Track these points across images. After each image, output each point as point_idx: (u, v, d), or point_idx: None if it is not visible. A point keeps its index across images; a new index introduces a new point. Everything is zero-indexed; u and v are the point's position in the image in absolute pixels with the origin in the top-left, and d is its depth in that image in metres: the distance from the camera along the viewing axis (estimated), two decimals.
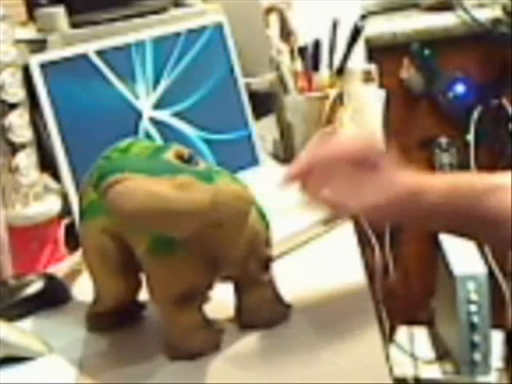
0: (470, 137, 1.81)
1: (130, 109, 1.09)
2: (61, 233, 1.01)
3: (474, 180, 0.81)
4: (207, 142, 1.16)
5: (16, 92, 0.98)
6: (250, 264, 0.75)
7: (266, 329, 0.76)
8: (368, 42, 1.71)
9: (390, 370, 1.58)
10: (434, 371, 1.66)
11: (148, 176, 0.63)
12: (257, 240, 0.75)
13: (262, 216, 0.76)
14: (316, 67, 1.31)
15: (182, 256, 0.70)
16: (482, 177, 0.80)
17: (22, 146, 0.99)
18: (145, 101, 1.11)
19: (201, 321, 0.74)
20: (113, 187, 0.62)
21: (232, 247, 0.72)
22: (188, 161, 0.67)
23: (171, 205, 0.63)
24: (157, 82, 1.13)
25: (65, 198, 1.02)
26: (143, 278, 0.77)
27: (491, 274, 1.74)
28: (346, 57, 1.31)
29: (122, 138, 0.79)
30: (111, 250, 0.77)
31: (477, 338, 1.56)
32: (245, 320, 0.78)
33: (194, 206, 0.64)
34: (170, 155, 0.67)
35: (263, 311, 0.77)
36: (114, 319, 0.81)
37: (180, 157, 0.67)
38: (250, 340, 0.75)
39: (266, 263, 0.77)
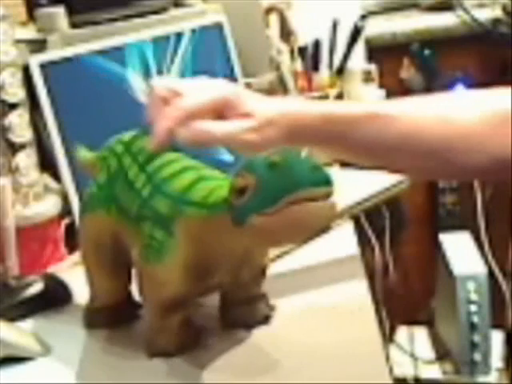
0: None
1: (131, 109, 1.09)
2: (61, 233, 1.01)
3: (351, 107, 0.79)
4: None
5: (16, 92, 0.98)
6: (243, 273, 0.74)
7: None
8: (368, 42, 1.71)
9: (390, 370, 1.58)
10: (434, 371, 1.66)
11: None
12: (254, 249, 0.74)
13: None
14: (316, 67, 1.31)
15: (171, 265, 0.70)
16: (360, 104, 0.78)
17: (22, 146, 0.99)
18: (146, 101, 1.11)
19: (182, 319, 0.74)
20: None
21: (228, 257, 0.71)
22: None
23: None
24: None
25: (65, 197, 1.02)
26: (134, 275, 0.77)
27: (491, 274, 1.74)
28: (345, 57, 1.31)
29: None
30: (106, 244, 0.78)
31: (477, 338, 1.56)
32: (228, 319, 0.78)
33: None
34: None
35: (247, 313, 0.77)
36: (111, 316, 0.81)
37: None
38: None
39: (261, 273, 0.77)
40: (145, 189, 0.73)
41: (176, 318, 0.73)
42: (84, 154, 0.84)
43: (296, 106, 0.78)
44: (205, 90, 0.75)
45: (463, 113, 0.77)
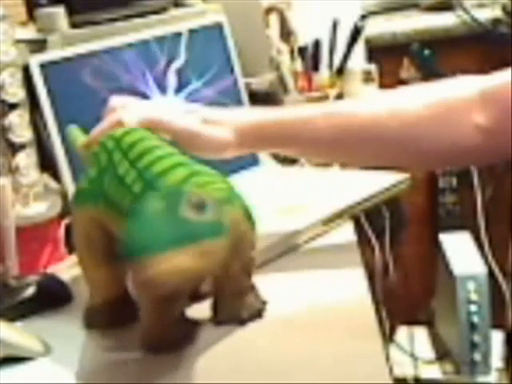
0: None
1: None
2: (61, 233, 1.01)
3: (306, 109, 0.87)
4: None
5: (16, 92, 0.98)
6: (232, 265, 0.74)
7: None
8: (368, 42, 1.71)
9: (390, 370, 1.58)
10: (434, 371, 1.66)
11: (175, 250, 0.63)
12: (243, 241, 0.74)
13: (249, 216, 0.75)
14: (316, 67, 1.31)
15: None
16: (316, 106, 0.87)
17: (22, 146, 0.99)
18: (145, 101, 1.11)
19: (177, 314, 0.74)
20: (146, 269, 0.63)
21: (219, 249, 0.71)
22: (201, 207, 0.67)
23: (196, 275, 0.66)
24: (157, 81, 1.13)
25: (65, 197, 1.02)
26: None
27: (491, 273, 1.74)
28: (345, 57, 1.31)
29: None
30: (97, 238, 0.78)
31: (477, 338, 1.56)
32: (220, 314, 0.78)
33: (215, 270, 0.69)
34: (186, 209, 0.66)
35: (239, 306, 0.77)
36: (110, 315, 0.81)
37: (194, 205, 0.67)
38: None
39: (250, 266, 0.77)
40: (136, 185, 0.73)
41: (171, 313, 0.74)
42: (80, 138, 0.86)
43: (249, 115, 0.85)
44: (147, 108, 0.86)
45: (410, 104, 0.83)
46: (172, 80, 1.13)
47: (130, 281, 0.76)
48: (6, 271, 0.94)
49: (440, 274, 1.71)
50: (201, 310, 0.79)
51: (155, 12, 1.28)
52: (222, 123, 0.84)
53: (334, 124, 0.82)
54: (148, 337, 0.75)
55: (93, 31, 1.17)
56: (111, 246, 0.77)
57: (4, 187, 0.94)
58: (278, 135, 0.83)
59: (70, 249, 1.01)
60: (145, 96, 1.11)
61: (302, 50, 1.35)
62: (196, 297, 0.80)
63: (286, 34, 1.43)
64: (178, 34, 1.16)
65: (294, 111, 0.87)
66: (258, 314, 0.78)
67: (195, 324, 0.77)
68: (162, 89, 1.14)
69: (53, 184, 1.05)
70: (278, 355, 0.72)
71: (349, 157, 0.87)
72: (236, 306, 0.77)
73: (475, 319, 1.56)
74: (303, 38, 1.38)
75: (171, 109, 0.86)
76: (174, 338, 0.74)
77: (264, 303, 0.79)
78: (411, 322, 1.84)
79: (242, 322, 0.77)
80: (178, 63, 1.16)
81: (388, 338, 1.77)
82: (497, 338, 1.68)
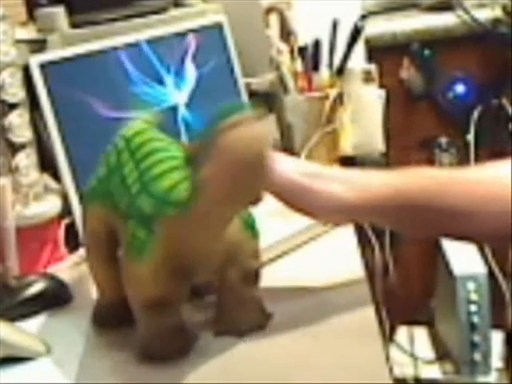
0: (470, 137, 1.81)
1: (130, 109, 1.09)
2: (61, 233, 1.01)
3: (432, 172, 0.79)
4: None
5: (16, 92, 0.98)
6: (229, 274, 0.74)
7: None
8: (368, 42, 1.70)
9: (390, 370, 1.58)
10: (434, 371, 1.66)
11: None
12: (238, 250, 0.74)
13: (250, 226, 0.75)
14: (316, 67, 1.31)
15: (152, 265, 0.70)
16: (440, 170, 0.77)
17: (22, 146, 0.99)
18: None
19: (174, 325, 0.74)
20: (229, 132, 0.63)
21: (207, 255, 0.71)
22: None
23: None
24: (157, 82, 1.13)
25: (65, 197, 1.02)
26: None
27: (491, 273, 1.74)
28: (345, 57, 1.31)
29: None
30: (103, 236, 0.78)
31: (477, 338, 1.56)
32: (218, 328, 0.77)
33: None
34: None
35: (240, 317, 0.76)
36: (117, 314, 0.81)
37: None
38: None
39: (252, 275, 0.76)
40: (134, 186, 0.73)
41: (168, 321, 0.73)
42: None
43: (375, 177, 0.77)
44: None
45: None
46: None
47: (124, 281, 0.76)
48: (5, 271, 0.94)
49: (440, 274, 1.71)
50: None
51: (155, 12, 1.28)
52: (340, 180, 0.75)
53: (460, 190, 0.74)
54: (143, 346, 0.75)
55: (93, 31, 1.17)
56: (115, 243, 0.77)
57: (4, 187, 0.94)
58: (412, 200, 0.75)
59: (70, 249, 1.02)
60: (144, 94, 1.12)
61: (302, 50, 1.34)
62: (195, 293, 0.80)
63: (286, 34, 1.43)
64: (178, 34, 1.16)
65: (417, 174, 0.78)
66: (258, 327, 0.77)
67: (193, 335, 0.76)
68: (163, 83, 1.14)
69: (53, 184, 1.05)
70: (278, 356, 0.72)
71: (475, 226, 0.75)
72: (236, 317, 0.76)
73: (475, 319, 1.56)
74: (303, 38, 1.38)
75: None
76: (169, 349, 0.74)
77: (268, 317, 0.78)
78: (411, 322, 1.84)
79: (241, 334, 0.76)
80: (177, 63, 1.15)
81: (388, 338, 1.77)
82: (497, 338, 1.68)
